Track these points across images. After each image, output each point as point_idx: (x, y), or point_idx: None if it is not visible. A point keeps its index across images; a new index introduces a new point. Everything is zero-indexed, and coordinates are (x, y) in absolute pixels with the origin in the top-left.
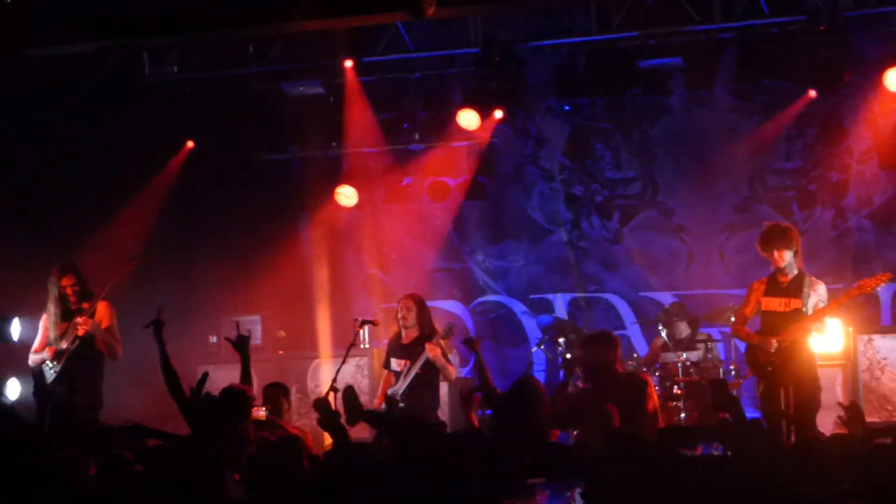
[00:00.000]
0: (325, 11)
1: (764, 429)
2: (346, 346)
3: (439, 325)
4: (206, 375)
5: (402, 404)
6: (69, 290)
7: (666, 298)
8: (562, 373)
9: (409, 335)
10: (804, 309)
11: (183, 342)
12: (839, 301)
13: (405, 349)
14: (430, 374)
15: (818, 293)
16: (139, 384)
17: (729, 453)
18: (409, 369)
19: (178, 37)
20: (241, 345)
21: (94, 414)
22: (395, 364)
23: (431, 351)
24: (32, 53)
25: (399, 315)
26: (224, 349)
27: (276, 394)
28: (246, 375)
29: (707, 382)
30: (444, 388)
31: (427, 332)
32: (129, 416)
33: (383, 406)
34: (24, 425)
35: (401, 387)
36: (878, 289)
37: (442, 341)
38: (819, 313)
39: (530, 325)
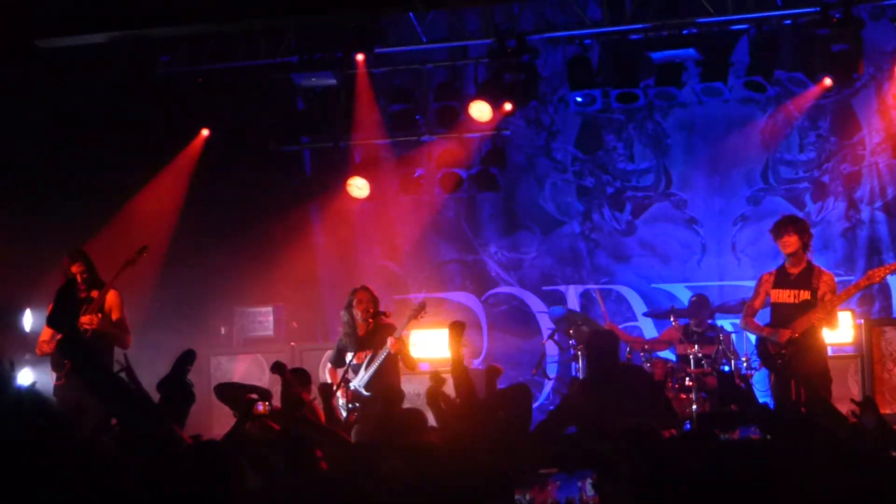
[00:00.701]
0: (333, 4)
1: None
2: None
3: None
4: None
5: (366, 393)
6: (79, 277)
7: (678, 290)
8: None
9: (364, 327)
10: (814, 301)
11: (194, 333)
12: (849, 291)
13: (362, 341)
14: (392, 363)
15: (828, 285)
16: (149, 373)
17: (768, 437)
18: (369, 360)
19: (190, 28)
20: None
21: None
22: (354, 358)
23: (392, 346)
24: (46, 45)
25: (358, 309)
26: (235, 339)
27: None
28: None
29: (716, 374)
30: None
31: (381, 321)
32: None
33: (345, 401)
34: (50, 409)
35: (363, 378)
36: (888, 278)
37: (402, 335)
38: (829, 304)
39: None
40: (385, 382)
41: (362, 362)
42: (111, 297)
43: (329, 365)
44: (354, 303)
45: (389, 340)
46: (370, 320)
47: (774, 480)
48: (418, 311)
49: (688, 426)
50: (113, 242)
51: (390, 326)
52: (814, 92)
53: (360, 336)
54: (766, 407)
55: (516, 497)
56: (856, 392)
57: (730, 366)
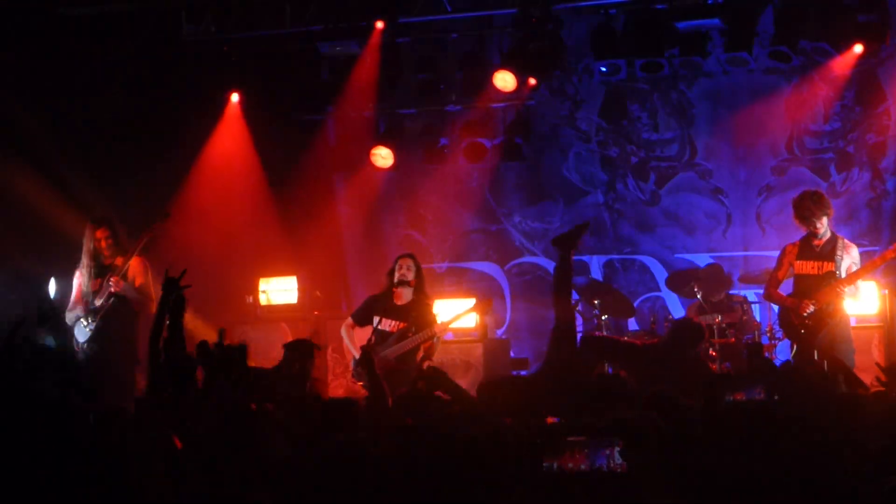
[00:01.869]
0: None
1: (810, 374)
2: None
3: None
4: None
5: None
6: (103, 243)
7: (703, 260)
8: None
9: (404, 296)
10: (837, 272)
11: (220, 302)
12: (875, 263)
13: (399, 311)
14: (424, 345)
15: (851, 256)
16: None
17: (776, 398)
18: (402, 333)
19: None
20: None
21: (131, 371)
22: (384, 323)
23: (441, 332)
24: (70, 13)
25: (398, 273)
26: (261, 309)
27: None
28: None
29: (743, 345)
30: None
31: (424, 299)
32: None
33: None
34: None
35: (393, 350)
36: None
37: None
38: (853, 276)
39: None
40: (410, 359)
41: (393, 332)
42: (135, 264)
43: (350, 319)
44: (395, 268)
45: (436, 327)
46: (409, 290)
47: (779, 439)
48: (479, 308)
49: None
50: (137, 210)
51: (430, 307)
52: (839, 62)
53: (395, 304)
54: (769, 363)
55: (544, 464)
56: (880, 361)
57: (751, 335)
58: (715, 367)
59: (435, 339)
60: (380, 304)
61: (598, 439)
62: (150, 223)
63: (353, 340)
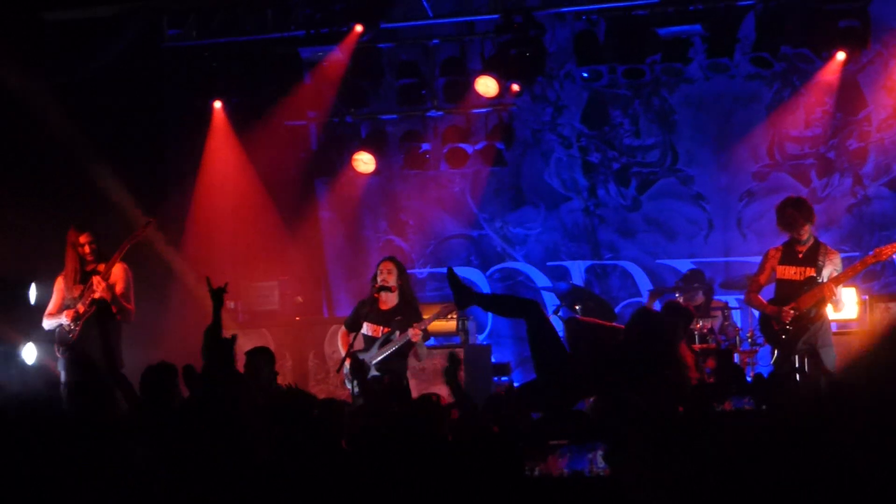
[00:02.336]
0: None
1: (797, 381)
2: None
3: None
4: (235, 338)
5: (375, 372)
6: (87, 248)
7: (684, 266)
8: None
9: (388, 301)
10: (818, 278)
11: (202, 307)
12: (855, 268)
13: (383, 315)
14: (406, 347)
15: (833, 263)
16: (151, 347)
17: (763, 407)
18: (385, 340)
19: (197, 2)
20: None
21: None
22: (369, 328)
23: (415, 337)
24: (52, 18)
25: (379, 278)
26: (242, 315)
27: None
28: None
29: (716, 353)
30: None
31: (408, 302)
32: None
33: (347, 369)
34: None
35: (375, 355)
36: (894, 256)
37: (427, 327)
38: (834, 281)
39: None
40: (395, 364)
41: (377, 337)
42: (117, 270)
43: (343, 328)
44: (377, 272)
45: (411, 331)
46: (394, 295)
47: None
48: (449, 311)
49: None
50: (117, 216)
51: (416, 309)
52: (820, 68)
53: (380, 309)
54: (759, 376)
55: (525, 469)
56: None
57: (732, 341)
58: (695, 373)
59: (418, 344)
60: (366, 309)
61: (580, 443)
62: (133, 230)
63: (346, 348)
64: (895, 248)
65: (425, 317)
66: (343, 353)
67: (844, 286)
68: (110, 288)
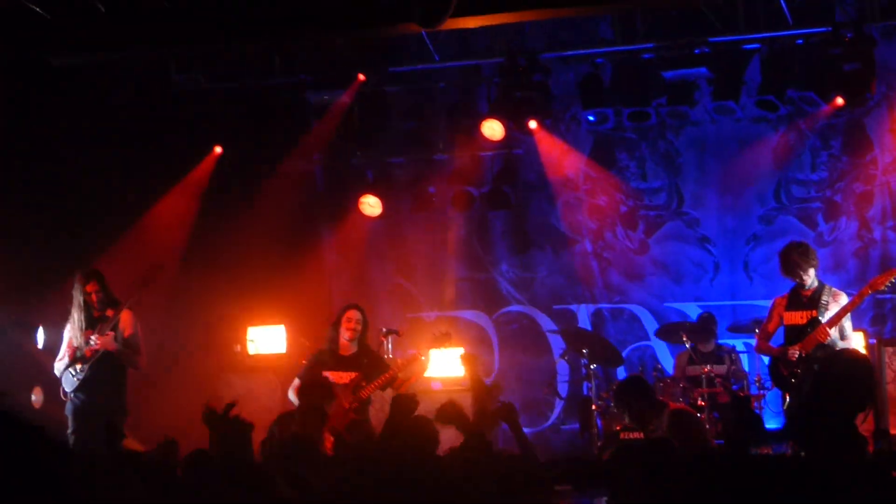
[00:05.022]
0: (339, 24)
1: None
2: None
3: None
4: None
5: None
6: (93, 297)
7: (691, 309)
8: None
9: (348, 347)
10: (821, 318)
11: (208, 351)
12: (853, 303)
13: (347, 362)
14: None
15: (839, 303)
16: (159, 392)
17: (802, 454)
18: (356, 384)
19: (203, 46)
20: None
21: (119, 423)
22: (335, 376)
23: (401, 371)
24: (59, 62)
25: (346, 327)
26: (248, 358)
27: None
28: None
29: (730, 398)
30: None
31: (366, 347)
32: (152, 426)
33: None
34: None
35: (351, 402)
36: (888, 285)
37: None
38: (835, 318)
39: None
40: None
41: (346, 383)
42: (125, 317)
43: (296, 381)
44: (343, 320)
45: (397, 366)
46: (353, 341)
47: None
48: (441, 341)
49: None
50: (125, 260)
51: (375, 354)
52: (826, 111)
53: (341, 356)
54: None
55: None
56: (868, 411)
57: (740, 385)
58: (703, 416)
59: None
60: (326, 358)
61: (584, 488)
62: (142, 275)
63: None
64: (890, 276)
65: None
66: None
67: (854, 330)
68: (119, 335)
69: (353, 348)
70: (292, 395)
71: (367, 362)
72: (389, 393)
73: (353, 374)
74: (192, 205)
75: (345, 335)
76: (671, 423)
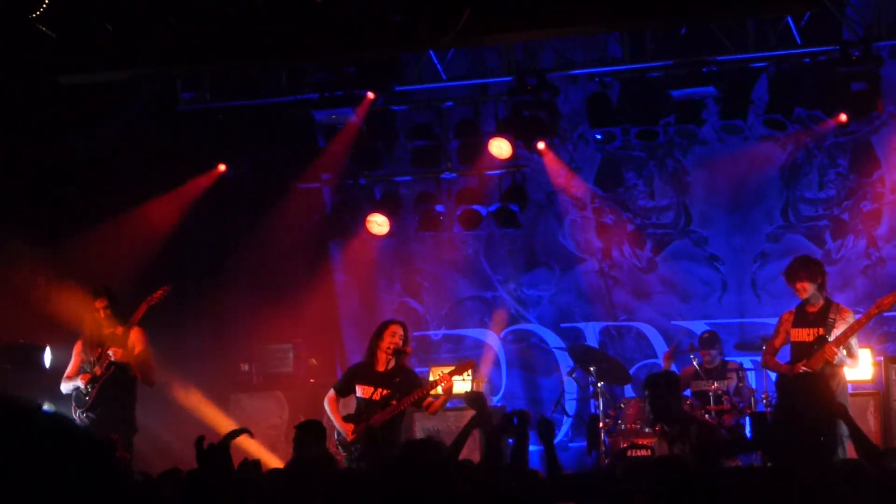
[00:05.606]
0: (347, 43)
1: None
2: None
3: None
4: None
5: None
6: (101, 314)
7: (699, 327)
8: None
9: (385, 363)
10: (828, 336)
11: (215, 370)
12: (860, 322)
13: (382, 378)
14: (402, 416)
15: (846, 321)
16: (167, 410)
17: (769, 465)
18: (385, 401)
19: (210, 65)
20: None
21: (129, 439)
22: (366, 391)
23: (431, 389)
24: (67, 81)
25: (390, 340)
26: (256, 378)
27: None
28: None
29: (744, 413)
30: None
31: (402, 362)
32: (159, 443)
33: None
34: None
35: (378, 419)
36: None
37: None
38: (842, 336)
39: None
40: (396, 427)
41: (377, 400)
42: (135, 335)
43: (332, 392)
44: (386, 334)
45: (428, 386)
46: (391, 358)
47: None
48: (463, 369)
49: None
50: (132, 279)
51: (411, 372)
52: (833, 129)
53: (377, 371)
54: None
55: None
56: (875, 429)
57: (747, 403)
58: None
59: (433, 397)
60: (362, 372)
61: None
62: (150, 293)
63: (336, 413)
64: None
65: (441, 373)
66: (332, 417)
67: (861, 346)
68: (129, 353)
69: (390, 364)
70: (327, 407)
71: (400, 381)
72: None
73: (385, 391)
74: (200, 223)
75: (387, 348)
76: (699, 436)
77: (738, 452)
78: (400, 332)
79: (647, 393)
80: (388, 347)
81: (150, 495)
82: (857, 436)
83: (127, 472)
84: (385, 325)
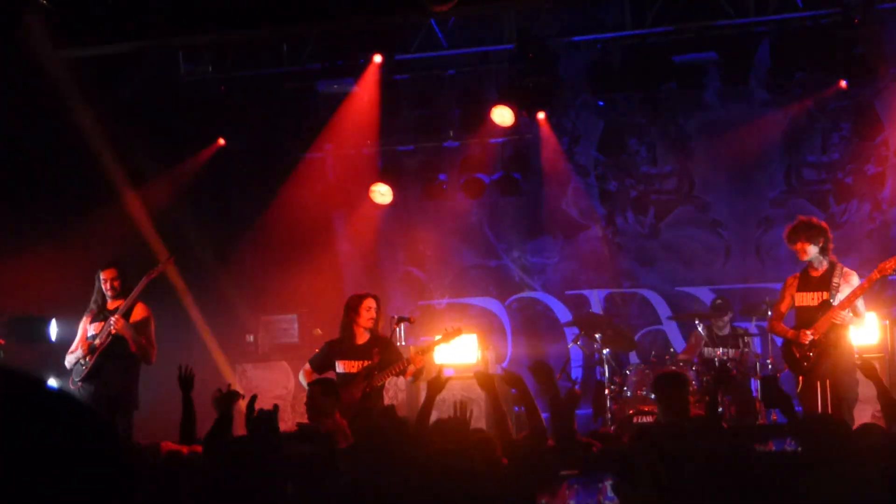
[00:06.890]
0: (348, 12)
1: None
2: None
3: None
4: (254, 398)
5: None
6: (107, 284)
7: (703, 293)
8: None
9: (363, 336)
10: (832, 300)
11: (221, 341)
12: (863, 287)
13: (360, 350)
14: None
15: (850, 283)
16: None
17: (799, 449)
18: (368, 372)
19: (212, 37)
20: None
21: (129, 415)
22: (347, 365)
23: (417, 360)
24: (68, 55)
25: (366, 315)
26: (261, 348)
27: None
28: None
29: (761, 379)
30: None
31: (378, 336)
32: (162, 419)
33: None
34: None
35: (360, 389)
36: None
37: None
38: (845, 301)
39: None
40: (380, 401)
41: (354, 372)
42: (138, 309)
43: (308, 366)
44: (362, 309)
45: (413, 354)
46: (366, 330)
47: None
48: (451, 335)
49: None
50: (137, 252)
51: (388, 341)
52: (835, 93)
53: (355, 344)
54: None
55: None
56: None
57: (751, 368)
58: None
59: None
60: (339, 346)
61: (590, 474)
62: (153, 265)
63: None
64: None
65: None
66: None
67: (867, 309)
68: (130, 325)
69: (367, 336)
70: (303, 380)
71: (380, 350)
72: (403, 380)
73: (364, 363)
74: (202, 195)
75: (365, 324)
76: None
77: (772, 437)
78: (374, 305)
79: (654, 397)
80: (367, 322)
81: (150, 472)
82: (885, 395)
83: (128, 450)
84: (359, 300)
